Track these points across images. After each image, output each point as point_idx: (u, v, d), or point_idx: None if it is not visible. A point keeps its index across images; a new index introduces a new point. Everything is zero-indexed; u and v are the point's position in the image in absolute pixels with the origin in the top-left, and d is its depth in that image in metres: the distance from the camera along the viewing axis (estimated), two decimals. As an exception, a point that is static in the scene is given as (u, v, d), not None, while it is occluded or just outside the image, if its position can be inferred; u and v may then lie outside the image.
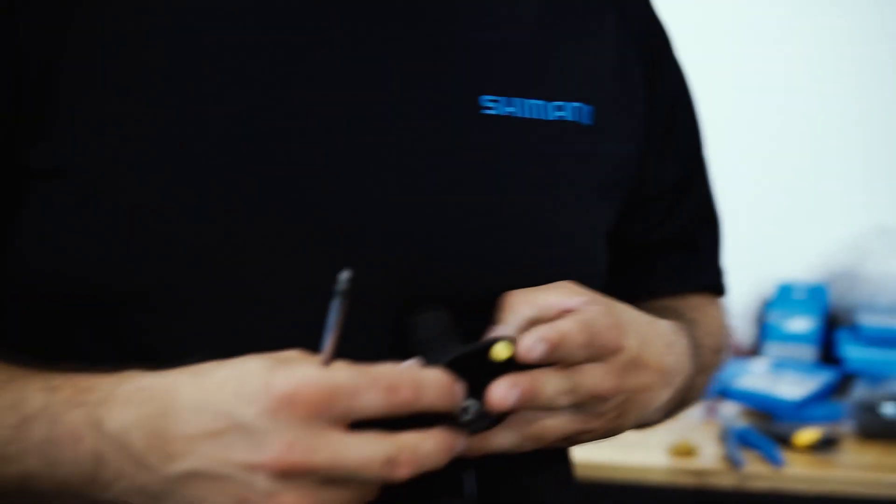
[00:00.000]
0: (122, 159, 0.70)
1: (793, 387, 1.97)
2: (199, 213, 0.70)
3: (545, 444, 0.73)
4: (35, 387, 0.68)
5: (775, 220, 2.30)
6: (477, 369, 0.69)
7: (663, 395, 0.79)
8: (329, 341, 0.65)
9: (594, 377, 0.73)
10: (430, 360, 0.69)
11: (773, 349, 2.16)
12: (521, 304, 0.73)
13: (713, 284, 1.01)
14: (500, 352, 0.70)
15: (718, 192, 1.01)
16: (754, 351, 2.22)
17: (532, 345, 0.70)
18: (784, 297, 2.21)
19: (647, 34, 0.92)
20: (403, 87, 0.76)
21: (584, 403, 0.73)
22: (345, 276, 0.64)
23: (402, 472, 0.63)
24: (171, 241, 0.70)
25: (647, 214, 0.94)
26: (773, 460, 1.72)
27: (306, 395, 0.61)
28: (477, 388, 0.69)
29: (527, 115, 0.80)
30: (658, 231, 0.96)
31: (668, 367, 0.79)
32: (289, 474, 0.61)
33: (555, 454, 0.87)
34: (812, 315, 2.16)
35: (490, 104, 0.78)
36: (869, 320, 2.07)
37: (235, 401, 0.62)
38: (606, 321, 0.73)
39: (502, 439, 0.72)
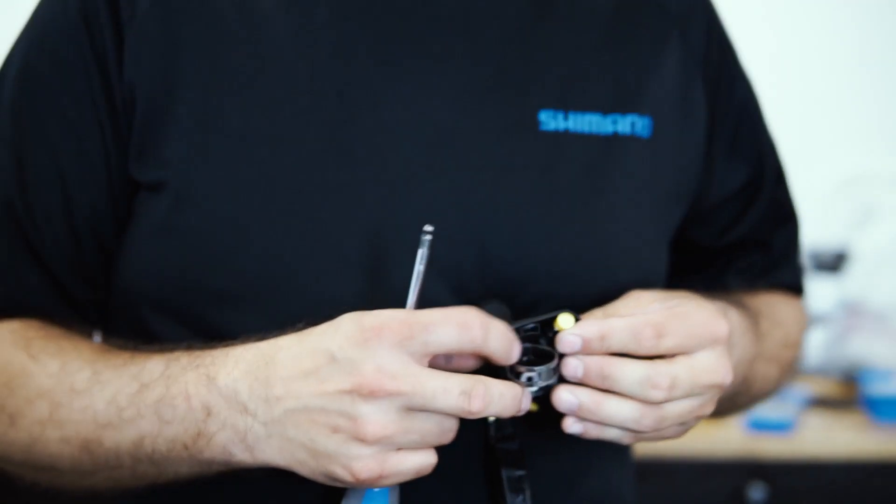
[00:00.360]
0: (209, 175, 0.77)
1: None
2: (272, 221, 0.76)
3: (662, 426, 0.73)
4: (156, 359, 0.74)
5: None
6: (547, 346, 0.73)
7: None
8: (414, 290, 0.71)
9: (701, 366, 0.73)
10: None
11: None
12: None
13: (787, 283, 1.00)
14: (564, 322, 0.73)
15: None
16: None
17: (561, 336, 0.72)
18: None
19: (711, 47, 0.91)
20: (466, 103, 0.79)
21: (701, 392, 0.73)
22: (428, 228, 0.71)
23: (477, 404, 0.66)
24: (248, 246, 0.76)
25: (716, 219, 0.95)
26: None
27: (392, 325, 0.67)
28: (545, 363, 0.72)
29: (583, 130, 0.81)
30: (728, 234, 0.96)
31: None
32: (375, 396, 0.65)
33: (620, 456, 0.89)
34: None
35: (548, 119, 0.81)
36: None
37: (330, 340, 0.68)
38: (704, 313, 0.74)
39: (620, 410, 0.72)
